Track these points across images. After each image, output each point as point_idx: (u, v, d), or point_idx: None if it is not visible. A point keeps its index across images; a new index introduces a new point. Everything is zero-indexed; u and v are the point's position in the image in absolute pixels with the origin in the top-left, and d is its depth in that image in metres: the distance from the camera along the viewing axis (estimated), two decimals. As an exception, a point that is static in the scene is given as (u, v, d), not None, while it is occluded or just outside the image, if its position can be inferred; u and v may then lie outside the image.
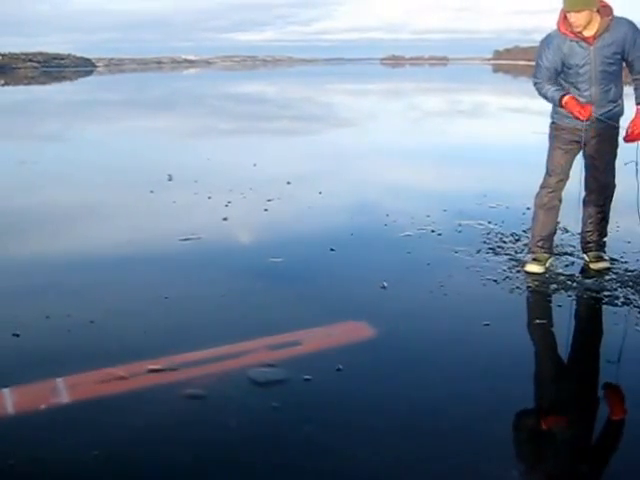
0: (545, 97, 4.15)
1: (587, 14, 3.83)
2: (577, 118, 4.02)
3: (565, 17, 3.92)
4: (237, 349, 3.34)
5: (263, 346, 3.36)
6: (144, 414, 2.81)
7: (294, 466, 2.48)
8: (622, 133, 4.14)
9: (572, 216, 4.56)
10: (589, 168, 4.29)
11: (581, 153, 4.29)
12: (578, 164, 4.31)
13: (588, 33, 3.91)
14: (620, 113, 4.17)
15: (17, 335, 3.52)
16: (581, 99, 4.05)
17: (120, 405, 2.90)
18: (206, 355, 3.28)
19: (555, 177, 4.29)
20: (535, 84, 4.16)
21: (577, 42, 3.95)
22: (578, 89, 4.05)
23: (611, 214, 4.43)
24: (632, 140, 4.10)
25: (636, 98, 4.04)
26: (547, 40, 4.06)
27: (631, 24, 3.97)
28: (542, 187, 4.38)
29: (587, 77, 4.00)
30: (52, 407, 2.86)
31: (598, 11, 3.87)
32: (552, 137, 4.30)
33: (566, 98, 4.02)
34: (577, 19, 3.85)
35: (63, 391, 2.96)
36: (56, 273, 4.62)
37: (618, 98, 4.12)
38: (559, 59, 4.00)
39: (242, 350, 3.32)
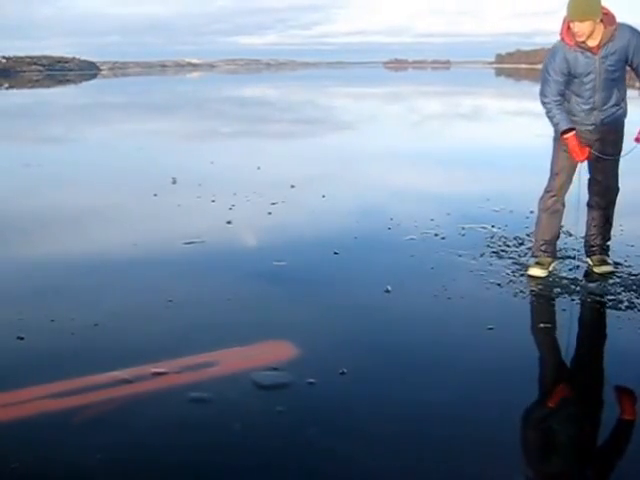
0: (550, 119, 4.16)
1: (590, 24, 3.84)
2: (571, 154, 4.10)
3: (569, 27, 3.93)
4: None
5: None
6: (148, 417, 2.82)
7: (297, 469, 2.49)
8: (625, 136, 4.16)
9: (576, 220, 4.55)
10: (592, 171, 4.29)
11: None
12: (582, 168, 4.31)
13: (592, 43, 3.92)
14: (623, 115, 4.18)
15: (22, 338, 3.53)
16: (585, 106, 4.08)
17: (123, 408, 2.90)
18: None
19: (559, 179, 4.29)
20: (544, 103, 4.15)
21: (582, 52, 3.96)
22: (582, 97, 4.07)
23: (615, 217, 4.42)
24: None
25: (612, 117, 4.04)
26: (552, 52, 4.08)
27: (634, 30, 3.97)
28: (546, 190, 4.38)
29: (591, 86, 4.02)
30: (54, 410, 2.86)
31: (601, 20, 3.88)
32: (556, 140, 4.30)
33: (568, 135, 4.07)
34: (580, 29, 3.86)
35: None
36: (60, 276, 4.63)
37: (621, 101, 4.13)
38: (565, 69, 4.01)
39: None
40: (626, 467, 2.50)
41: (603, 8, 3.90)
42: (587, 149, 4.12)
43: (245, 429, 2.70)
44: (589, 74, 3.99)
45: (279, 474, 2.46)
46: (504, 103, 24.18)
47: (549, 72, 4.08)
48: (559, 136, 4.17)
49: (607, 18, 3.91)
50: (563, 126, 4.09)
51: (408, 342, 3.52)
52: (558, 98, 4.09)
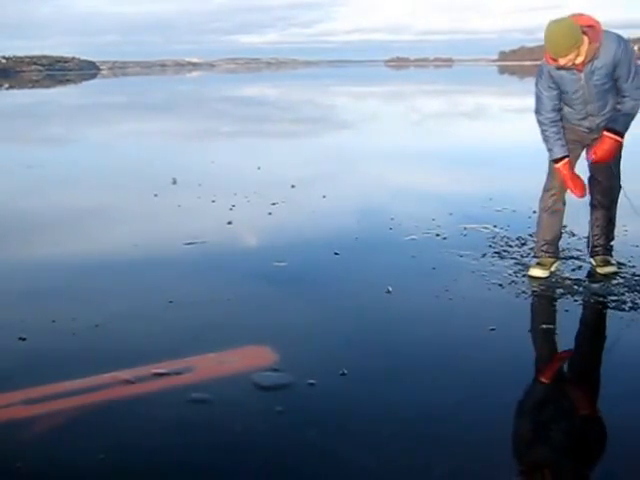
0: (544, 142, 4.15)
1: (573, 54, 3.79)
2: (566, 186, 4.12)
3: None
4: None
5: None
6: (149, 418, 2.81)
7: (297, 470, 2.48)
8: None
9: (579, 220, 4.54)
10: (593, 171, 4.27)
11: (584, 155, 4.27)
12: (583, 168, 4.29)
13: (577, 60, 3.86)
14: None
15: (23, 339, 3.53)
16: (578, 116, 4.07)
17: (125, 409, 2.90)
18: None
19: (558, 178, 4.26)
20: (539, 122, 4.12)
21: (566, 70, 3.92)
22: (574, 109, 4.07)
23: (618, 218, 4.40)
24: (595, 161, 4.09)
25: (607, 122, 4.00)
26: (539, 71, 4.07)
27: (620, 42, 3.86)
28: (545, 190, 4.36)
29: (581, 100, 4.00)
30: (58, 411, 2.85)
31: (585, 33, 3.79)
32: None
33: (560, 164, 4.08)
34: (564, 60, 3.80)
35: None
36: (61, 277, 4.63)
37: (617, 104, 4.10)
38: (554, 84, 4.01)
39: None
40: (623, 469, 2.49)
41: (583, 19, 3.81)
42: (582, 184, 4.11)
43: (245, 430, 2.70)
44: (576, 91, 3.97)
45: (279, 475, 2.45)
46: (507, 101, 24.12)
47: (540, 90, 4.06)
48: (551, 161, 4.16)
49: (592, 32, 3.80)
50: (555, 154, 4.09)
51: (409, 343, 3.51)
52: (553, 115, 4.06)
